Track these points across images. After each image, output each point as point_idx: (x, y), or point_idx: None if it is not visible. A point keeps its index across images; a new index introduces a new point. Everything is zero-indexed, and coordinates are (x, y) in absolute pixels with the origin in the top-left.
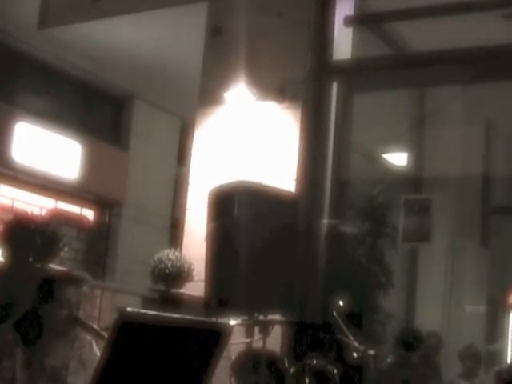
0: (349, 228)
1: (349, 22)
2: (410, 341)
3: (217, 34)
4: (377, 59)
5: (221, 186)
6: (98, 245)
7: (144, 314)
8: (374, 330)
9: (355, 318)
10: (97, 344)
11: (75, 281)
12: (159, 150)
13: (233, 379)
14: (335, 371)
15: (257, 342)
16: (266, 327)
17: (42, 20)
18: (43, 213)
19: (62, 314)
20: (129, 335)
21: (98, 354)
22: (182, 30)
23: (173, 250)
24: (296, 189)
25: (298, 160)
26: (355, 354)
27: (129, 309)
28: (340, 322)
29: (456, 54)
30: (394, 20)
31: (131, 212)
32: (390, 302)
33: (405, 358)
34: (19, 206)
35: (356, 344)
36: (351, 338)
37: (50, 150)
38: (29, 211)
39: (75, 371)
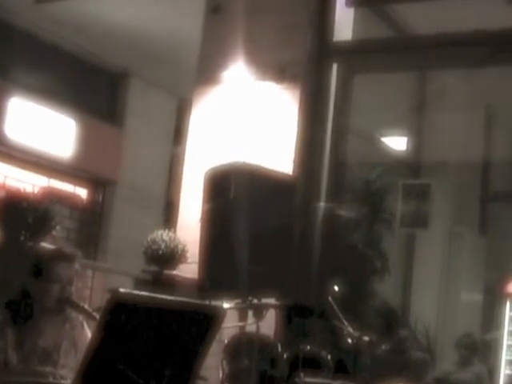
0: (346, 212)
1: (350, 2)
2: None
3: (216, 12)
4: (378, 41)
5: (217, 167)
6: (90, 224)
7: (137, 295)
8: (369, 315)
9: (350, 304)
10: (88, 325)
11: (66, 257)
12: (155, 129)
13: (225, 363)
14: (329, 357)
15: (250, 326)
16: (259, 311)
17: None
18: (36, 191)
19: (54, 289)
20: (121, 316)
21: (90, 335)
22: (181, 7)
23: (167, 230)
24: (293, 171)
25: (296, 142)
26: (350, 340)
27: (121, 290)
28: (335, 307)
29: (458, 37)
30: (397, 2)
31: (125, 191)
32: (386, 287)
33: (400, 345)
34: (11, 183)
35: (351, 330)
36: (346, 323)
37: (44, 126)
38: (21, 189)
39: (66, 353)
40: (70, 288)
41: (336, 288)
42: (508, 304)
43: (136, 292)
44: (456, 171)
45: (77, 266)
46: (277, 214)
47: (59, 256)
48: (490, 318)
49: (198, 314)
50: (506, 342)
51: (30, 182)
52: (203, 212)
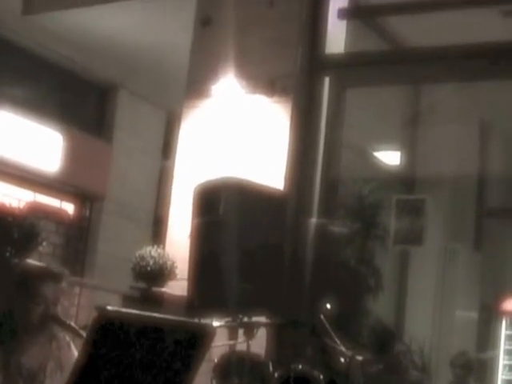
0: (338, 228)
1: (343, 14)
2: (385, 335)
3: (206, 24)
4: (371, 54)
5: (207, 182)
6: (77, 240)
7: (124, 313)
8: (362, 334)
9: (343, 322)
10: (75, 343)
11: (53, 277)
12: (143, 143)
13: (215, 382)
14: (321, 377)
15: (240, 345)
16: (250, 329)
17: (26, 6)
18: (21, 205)
19: (38, 310)
20: (108, 335)
21: (76, 355)
22: (170, 19)
23: (155, 246)
24: (284, 186)
25: (288, 156)
26: (342, 360)
27: (108, 307)
28: (327, 325)
29: (453, 50)
30: (390, 14)
31: (113, 206)
32: (379, 305)
33: (394, 364)
34: None
35: (343, 349)
36: (338, 342)
37: (30, 140)
38: (6, 203)
39: (52, 373)
40: (54, 309)
41: (328, 306)
42: (504, 322)
43: (123, 310)
44: (451, 186)
45: (64, 285)
46: (268, 230)
47: (46, 275)
48: (486, 337)
49: (187, 333)
50: (502, 361)
51: (15, 197)
52: (192, 228)
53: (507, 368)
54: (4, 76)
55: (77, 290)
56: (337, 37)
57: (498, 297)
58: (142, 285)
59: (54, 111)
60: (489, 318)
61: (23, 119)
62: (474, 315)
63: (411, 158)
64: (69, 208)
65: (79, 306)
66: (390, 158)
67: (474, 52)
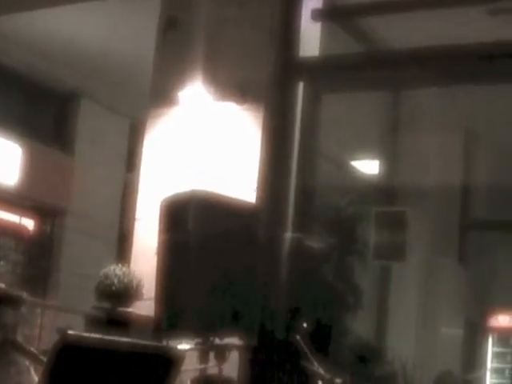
0: (314, 243)
1: (317, 15)
2: (366, 355)
3: (171, 27)
4: (347, 57)
5: (174, 196)
6: (38, 257)
7: (87, 337)
8: (342, 355)
9: (320, 343)
10: (35, 369)
11: (12, 302)
12: (107, 154)
13: None
14: None
15: (212, 369)
16: (222, 352)
17: None
18: None
19: None
20: (70, 360)
21: (37, 380)
22: (134, 22)
23: (120, 264)
24: (257, 199)
25: (260, 167)
26: (320, 383)
27: (70, 332)
28: (303, 346)
29: (435, 52)
30: (367, 14)
31: (76, 222)
32: (360, 324)
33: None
34: None
35: (321, 371)
36: (316, 364)
37: None
38: None
39: None
40: (13, 335)
41: (305, 325)
42: (491, 339)
43: (86, 334)
44: (433, 197)
45: (23, 310)
46: (239, 245)
47: (4, 300)
48: (472, 355)
49: (155, 357)
50: (489, 380)
51: None
52: (159, 244)
53: None
54: None
55: (39, 310)
56: (311, 39)
57: (484, 313)
58: (106, 305)
59: (12, 121)
60: (475, 334)
61: None
62: (459, 332)
63: (391, 167)
64: (29, 224)
65: (41, 327)
66: (368, 167)
67: (457, 54)
